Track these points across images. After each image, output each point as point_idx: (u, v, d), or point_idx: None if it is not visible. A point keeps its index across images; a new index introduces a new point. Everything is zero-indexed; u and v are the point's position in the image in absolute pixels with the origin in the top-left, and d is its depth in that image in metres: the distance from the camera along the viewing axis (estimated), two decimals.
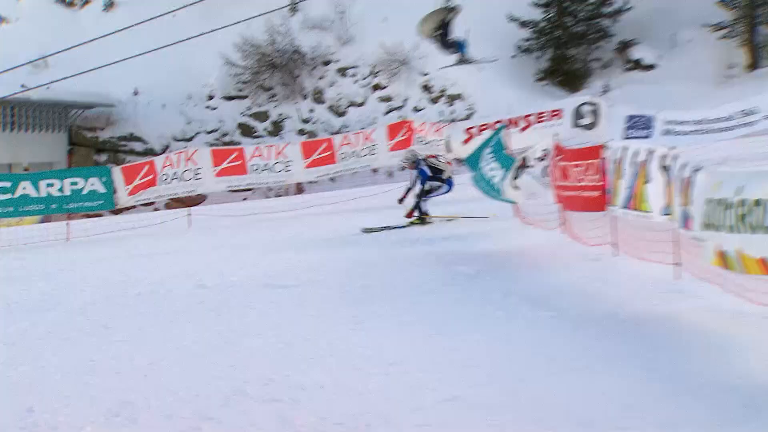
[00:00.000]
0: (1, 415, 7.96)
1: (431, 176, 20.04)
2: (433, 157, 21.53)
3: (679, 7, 46.53)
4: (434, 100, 48.64)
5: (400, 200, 20.36)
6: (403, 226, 19.33)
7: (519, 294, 11.67)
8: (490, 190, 17.28)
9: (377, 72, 49.54)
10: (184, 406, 7.89)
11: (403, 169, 20.03)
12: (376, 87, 49.72)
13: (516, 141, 21.71)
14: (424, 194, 20.01)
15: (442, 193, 20.33)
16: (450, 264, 14.39)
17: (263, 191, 37.45)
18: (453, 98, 48.14)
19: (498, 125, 25.82)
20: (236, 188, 30.63)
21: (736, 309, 9.76)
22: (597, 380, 8.01)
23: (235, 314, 11.91)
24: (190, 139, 47.85)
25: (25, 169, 44.42)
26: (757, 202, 8.43)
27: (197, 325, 11.43)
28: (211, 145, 43.41)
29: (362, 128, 37.38)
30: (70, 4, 55.63)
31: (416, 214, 19.95)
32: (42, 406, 8.09)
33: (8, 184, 27.32)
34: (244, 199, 36.39)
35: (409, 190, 20.42)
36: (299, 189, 36.23)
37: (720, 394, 7.45)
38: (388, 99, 49.27)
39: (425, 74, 48.91)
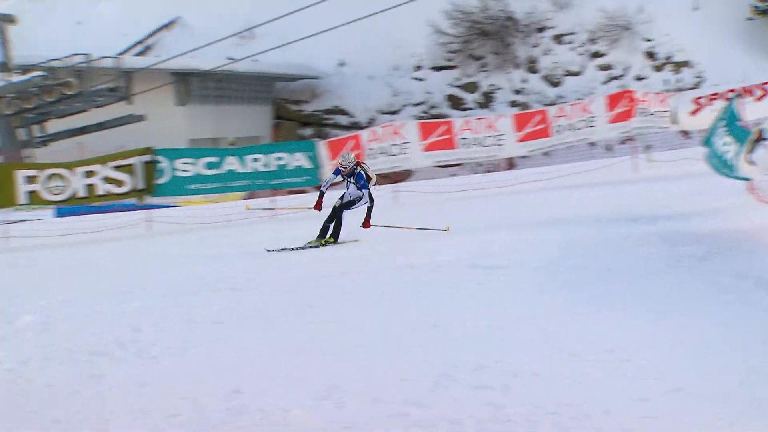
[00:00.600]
0: (208, 395, 8.19)
1: (359, 186, 18.31)
2: (364, 162, 19.73)
3: None
4: (658, 68, 47.65)
5: (317, 206, 18.64)
6: (314, 246, 18.12)
7: (753, 278, 11.25)
8: (723, 167, 16.66)
9: (596, 38, 48.83)
10: (392, 390, 8.00)
11: (343, 175, 18.38)
12: (595, 54, 49.03)
13: (751, 111, 20.93)
14: (347, 205, 18.41)
15: (361, 205, 18.42)
16: (674, 244, 14.03)
17: (472, 166, 37.53)
18: (679, 65, 47.07)
19: (731, 95, 25.15)
20: (444, 163, 30.78)
21: None
22: None
23: (442, 296, 11.98)
24: (396, 112, 48.45)
25: (231, 144, 45.90)
26: None
27: (404, 306, 11.55)
28: (419, 118, 43.68)
29: (579, 99, 36.90)
30: None
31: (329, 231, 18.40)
32: (249, 387, 8.31)
33: (215, 159, 28.26)
34: (453, 174, 36.53)
35: (322, 195, 18.74)
36: (510, 164, 36.09)
37: None
38: (607, 67, 48.51)
39: (649, 40, 47.97)
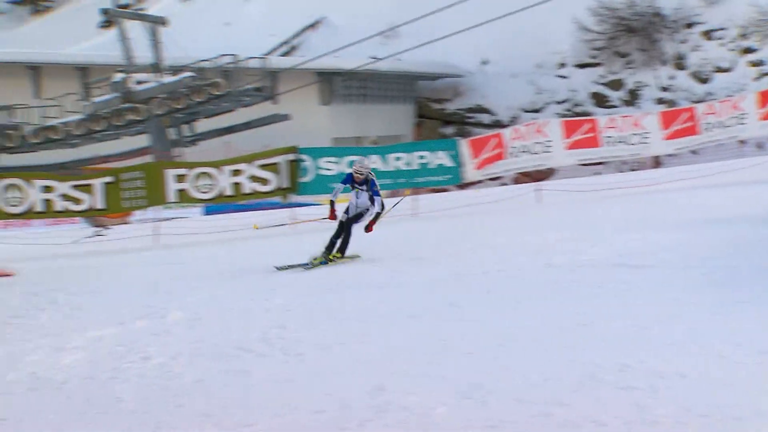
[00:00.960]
0: (353, 392, 8.26)
1: (372, 193, 17.48)
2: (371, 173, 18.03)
3: None
4: None
5: (332, 216, 17.58)
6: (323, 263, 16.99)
7: None
8: None
9: (748, 34, 47.65)
10: (535, 390, 7.93)
11: (354, 183, 17.23)
12: (746, 51, 47.92)
13: None
14: (354, 219, 17.36)
15: (370, 216, 17.51)
16: None
17: (617, 165, 37.07)
18: None
19: None
20: (588, 161, 30.42)
21: None
22: None
23: (586, 295, 11.83)
24: (539, 110, 48.32)
25: (374, 143, 46.20)
26: None
27: (547, 306, 11.46)
28: (562, 116, 43.45)
29: (729, 96, 35.96)
30: None
31: (335, 246, 17.26)
32: (392, 384, 8.35)
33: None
34: (596, 173, 36.15)
35: (333, 204, 17.61)
36: (656, 162, 35.49)
37: None
38: (759, 63, 47.36)
39: None
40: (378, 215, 17.38)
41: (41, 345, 11.38)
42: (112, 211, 26.99)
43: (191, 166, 27.81)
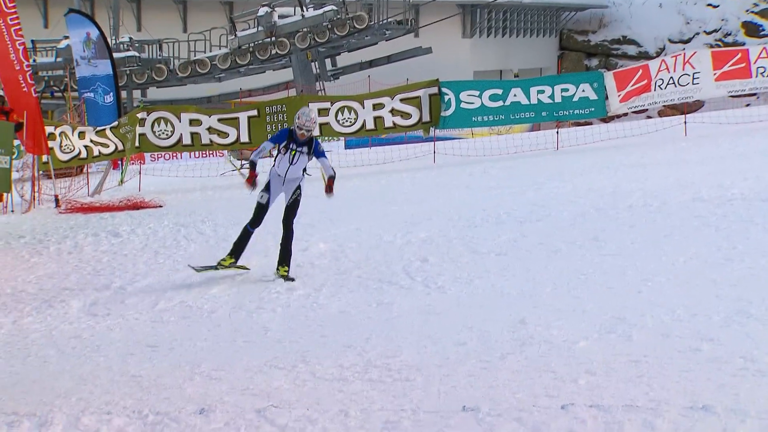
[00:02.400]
0: (494, 326, 8.28)
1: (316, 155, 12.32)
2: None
3: None
4: None
5: (249, 181, 12.16)
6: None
7: None
8: None
9: None
10: (681, 325, 7.82)
11: (293, 143, 11.90)
12: None
13: None
14: (293, 208, 12.17)
15: (301, 192, 12.36)
16: None
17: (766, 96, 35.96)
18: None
19: None
20: (738, 93, 29.51)
21: None
22: None
23: (735, 230, 11.60)
24: (687, 41, 47.19)
25: (516, 76, 45.78)
26: None
27: (694, 240, 11.28)
28: (711, 46, 42.13)
29: None
30: None
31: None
32: (534, 318, 8.35)
33: (500, 92, 28.15)
34: (747, 105, 35.10)
35: (254, 166, 12.29)
36: None
37: None
38: None
39: None
40: (333, 178, 12.21)
41: (192, 275, 11.71)
42: (257, 144, 27.27)
43: (333, 99, 27.81)
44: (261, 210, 11.99)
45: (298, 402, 6.79)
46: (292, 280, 11.26)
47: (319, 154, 12.02)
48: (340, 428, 6.24)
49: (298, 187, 12.00)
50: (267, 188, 11.99)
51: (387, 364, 7.58)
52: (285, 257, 11.73)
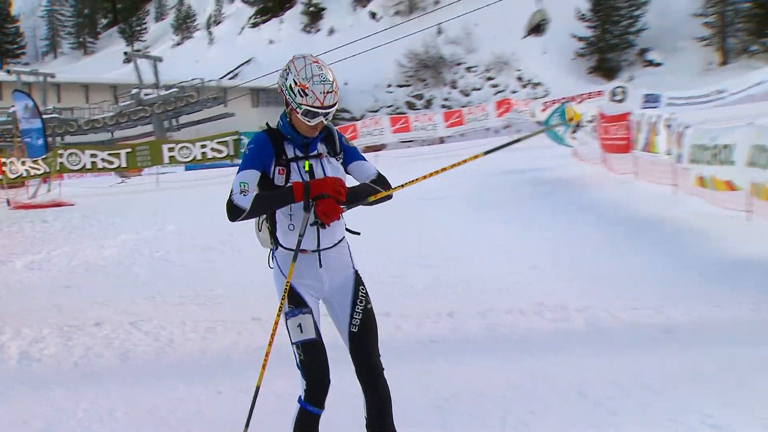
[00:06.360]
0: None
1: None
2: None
3: (678, 25, 44.21)
4: (524, 86, 47.11)
5: None
6: None
7: (575, 203, 11.08)
8: (557, 138, 16.28)
9: (490, 69, 48.19)
10: None
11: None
12: (489, 78, 48.49)
13: (574, 110, 20.68)
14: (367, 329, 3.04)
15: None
16: (534, 185, 13.71)
17: (419, 142, 37.23)
18: (536, 85, 46.42)
19: (563, 101, 25.12)
20: (404, 140, 30.45)
21: (711, 212, 9.33)
22: (626, 259, 7.60)
23: (411, 217, 11.26)
24: (377, 111, 48.00)
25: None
26: (725, 146, 8.58)
27: None
28: (389, 114, 43.33)
29: (480, 103, 36.52)
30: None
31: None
32: None
33: None
34: (408, 146, 36.17)
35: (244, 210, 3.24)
36: (441, 140, 35.76)
37: (702, 263, 7.20)
38: (496, 86, 48.00)
39: (519, 70, 47.38)
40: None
41: (91, 245, 11.02)
42: (131, 168, 26.15)
43: (177, 142, 26.87)
44: (314, 353, 2.92)
45: (155, 318, 6.50)
46: None
47: (355, 154, 3.12)
48: (179, 332, 5.98)
49: (355, 272, 3.08)
50: (296, 298, 2.95)
51: (208, 294, 7.38)
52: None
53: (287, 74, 2.87)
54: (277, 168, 2.92)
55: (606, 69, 45.55)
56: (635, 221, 9.47)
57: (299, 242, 2.84)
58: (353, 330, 2.93)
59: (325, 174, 2.87)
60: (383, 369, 2.92)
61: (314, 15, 56.01)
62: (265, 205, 2.83)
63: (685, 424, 3.70)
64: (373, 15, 53.26)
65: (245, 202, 2.82)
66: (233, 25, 59.12)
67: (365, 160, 3.05)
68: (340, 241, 2.97)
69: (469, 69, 49.32)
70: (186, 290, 7.59)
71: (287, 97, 2.88)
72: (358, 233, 3.00)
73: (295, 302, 2.89)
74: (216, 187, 21.09)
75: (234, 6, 60.35)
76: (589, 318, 5.61)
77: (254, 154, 2.95)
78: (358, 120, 39.09)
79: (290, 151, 2.94)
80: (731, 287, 6.23)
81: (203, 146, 26.43)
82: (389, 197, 2.94)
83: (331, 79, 2.81)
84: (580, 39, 46.43)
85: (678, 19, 43.88)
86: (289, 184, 2.83)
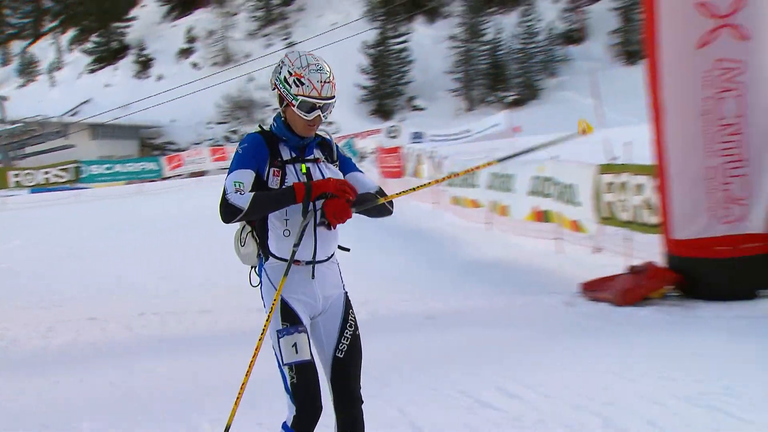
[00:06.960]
0: None
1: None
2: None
3: (436, 80, 48.23)
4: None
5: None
6: None
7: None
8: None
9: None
10: None
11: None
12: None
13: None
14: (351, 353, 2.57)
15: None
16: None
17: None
18: (330, 123, 44.20)
19: (350, 136, 28.73)
20: (225, 168, 24.89)
21: (462, 224, 9.71)
22: (395, 258, 7.90)
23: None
24: (199, 143, 47.01)
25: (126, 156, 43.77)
26: (468, 173, 7.45)
27: None
28: (210, 146, 41.99)
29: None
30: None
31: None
32: None
33: (106, 166, 28.01)
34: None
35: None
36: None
37: (454, 263, 7.50)
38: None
39: None
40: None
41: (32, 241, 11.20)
42: None
43: (22, 169, 27.74)
44: (308, 376, 2.40)
45: (114, 316, 6.17)
46: None
47: (352, 165, 2.67)
48: (124, 330, 5.70)
49: (345, 294, 2.61)
50: (290, 315, 2.44)
51: (50, 298, 7.24)
52: None
53: (281, 68, 2.45)
54: (271, 170, 2.42)
55: (383, 111, 48.25)
56: (405, 231, 9.68)
57: (293, 253, 2.33)
58: (338, 356, 2.44)
59: (323, 177, 2.43)
60: (363, 402, 2.46)
61: (144, 63, 56.12)
62: (265, 205, 2.33)
63: (440, 391, 3.69)
64: (194, 65, 53.19)
65: (242, 202, 2.30)
66: (73, 71, 57.73)
67: (363, 172, 2.62)
68: (332, 256, 2.50)
69: (275, 110, 49.61)
70: (30, 296, 7.26)
71: (282, 91, 2.43)
72: (348, 249, 2.54)
73: (290, 320, 2.38)
74: (58, 207, 19.87)
75: (73, 55, 59.88)
76: (371, 309, 5.59)
77: (248, 153, 2.42)
78: (183, 151, 39.54)
79: (286, 153, 2.47)
80: (475, 282, 6.50)
81: (46, 172, 27.01)
82: (390, 212, 2.52)
83: (328, 70, 2.42)
84: (363, 87, 49.17)
85: (436, 74, 48.06)
86: (289, 185, 2.37)
